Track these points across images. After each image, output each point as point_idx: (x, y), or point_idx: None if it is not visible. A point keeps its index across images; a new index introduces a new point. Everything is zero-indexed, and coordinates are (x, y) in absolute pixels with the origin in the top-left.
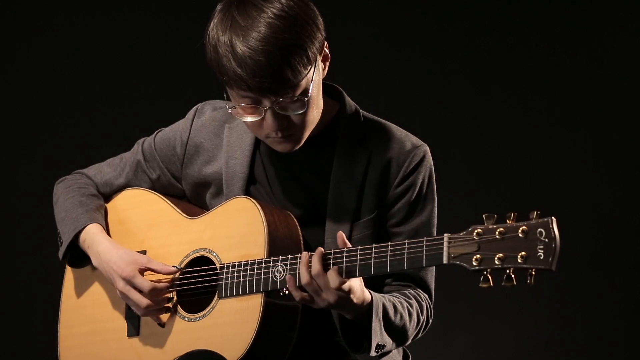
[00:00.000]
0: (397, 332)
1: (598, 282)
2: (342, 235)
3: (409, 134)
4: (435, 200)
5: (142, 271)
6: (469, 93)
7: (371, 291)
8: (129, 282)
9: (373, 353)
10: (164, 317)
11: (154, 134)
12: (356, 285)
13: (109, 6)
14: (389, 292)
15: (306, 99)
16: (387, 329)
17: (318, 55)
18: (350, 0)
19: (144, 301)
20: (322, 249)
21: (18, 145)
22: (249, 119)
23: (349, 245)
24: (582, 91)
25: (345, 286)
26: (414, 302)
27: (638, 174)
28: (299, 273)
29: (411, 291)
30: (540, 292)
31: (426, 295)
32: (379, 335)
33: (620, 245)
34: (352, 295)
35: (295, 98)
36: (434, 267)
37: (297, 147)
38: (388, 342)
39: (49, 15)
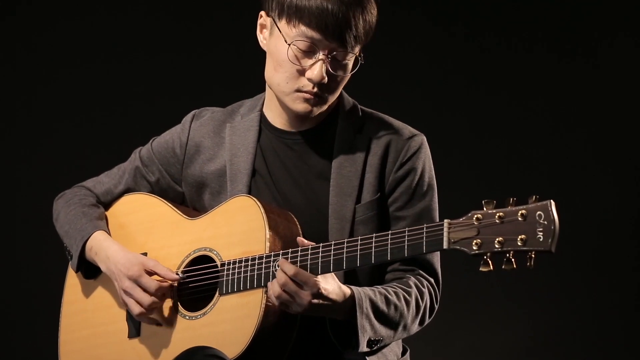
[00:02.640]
0: (393, 323)
1: (597, 282)
2: (302, 240)
3: (406, 124)
4: (435, 187)
5: (148, 273)
6: (469, 90)
7: (352, 286)
8: (135, 280)
9: (365, 349)
10: (161, 318)
11: (150, 142)
12: (329, 287)
13: (109, 11)
14: (391, 280)
15: (353, 63)
16: (380, 321)
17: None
18: None
19: (147, 299)
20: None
21: (18, 148)
22: (301, 59)
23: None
24: (582, 90)
25: (311, 282)
26: (413, 290)
27: (638, 174)
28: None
29: (412, 279)
30: (539, 292)
31: (431, 280)
32: (369, 331)
33: (619, 245)
34: (326, 293)
35: (347, 59)
36: (438, 252)
37: (315, 114)
38: (385, 334)
39: (48, 19)
